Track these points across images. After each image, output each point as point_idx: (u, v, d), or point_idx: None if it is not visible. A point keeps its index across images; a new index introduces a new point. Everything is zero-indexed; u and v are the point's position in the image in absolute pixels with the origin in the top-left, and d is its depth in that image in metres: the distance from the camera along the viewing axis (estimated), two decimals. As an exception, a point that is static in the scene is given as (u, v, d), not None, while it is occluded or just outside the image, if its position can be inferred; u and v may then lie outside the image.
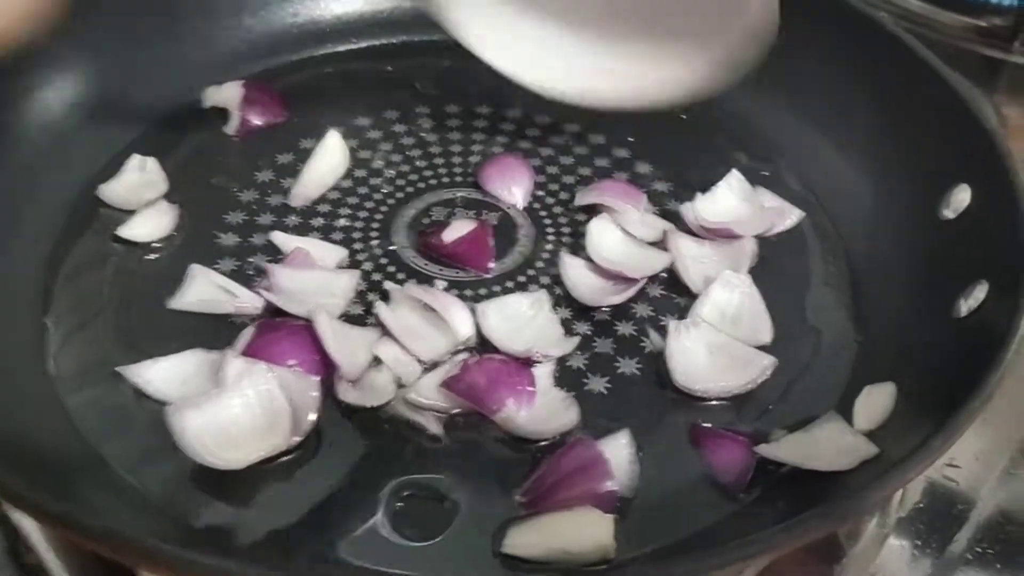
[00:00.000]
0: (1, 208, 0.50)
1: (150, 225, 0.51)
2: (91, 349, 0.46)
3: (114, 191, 0.53)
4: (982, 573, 0.47)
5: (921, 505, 0.50)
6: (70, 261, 0.50)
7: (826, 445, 0.43)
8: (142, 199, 0.52)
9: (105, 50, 0.58)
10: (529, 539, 0.39)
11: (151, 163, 0.55)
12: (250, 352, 0.44)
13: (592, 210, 0.56)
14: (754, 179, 0.58)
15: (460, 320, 0.47)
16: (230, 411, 0.42)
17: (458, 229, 0.51)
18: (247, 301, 0.48)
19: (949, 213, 0.51)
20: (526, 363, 0.46)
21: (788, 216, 0.56)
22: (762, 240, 0.55)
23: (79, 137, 0.55)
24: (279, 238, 0.52)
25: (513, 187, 0.56)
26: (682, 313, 0.50)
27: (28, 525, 0.44)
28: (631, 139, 0.62)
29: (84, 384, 0.45)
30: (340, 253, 0.52)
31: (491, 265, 0.51)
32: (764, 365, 0.47)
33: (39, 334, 0.47)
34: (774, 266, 0.53)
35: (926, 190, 0.53)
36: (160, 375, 0.44)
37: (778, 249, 0.55)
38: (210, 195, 0.55)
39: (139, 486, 0.41)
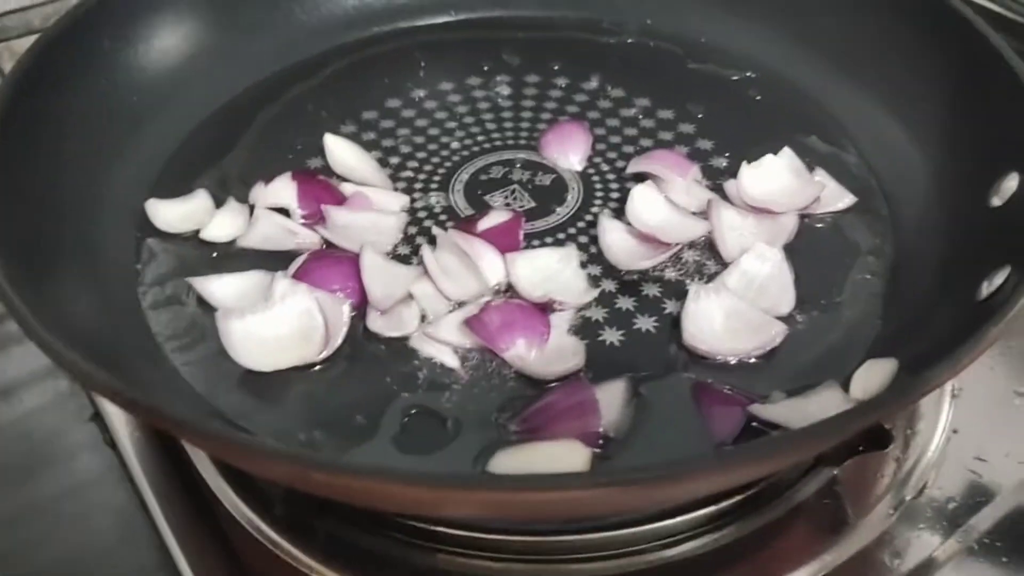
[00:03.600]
0: (114, 138, 0.57)
1: (227, 226, 0.55)
2: (174, 264, 0.53)
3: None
4: (986, 562, 0.46)
5: (937, 490, 0.49)
6: (166, 189, 0.57)
7: (816, 410, 0.44)
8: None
9: (224, 6, 0.65)
10: (512, 462, 0.43)
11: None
12: (298, 276, 0.50)
13: (643, 179, 0.58)
14: (819, 160, 0.59)
15: (491, 266, 0.51)
16: (270, 322, 0.47)
17: (494, 219, 0.54)
18: (305, 238, 0.53)
19: (997, 200, 0.50)
20: (544, 309, 0.49)
21: (841, 199, 0.56)
22: (813, 218, 0.55)
23: (190, 84, 0.63)
24: (346, 187, 0.57)
25: (570, 153, 0.60)
26: (710, 279, 0.52)
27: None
28: (700, 116, 0.63)
29: (163, 291, 0.52)
30: (402, 200, 0.57)
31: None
32: (773, 333, 0.48)
33: (135, 247, 0.54)
34: (820, 243, 0.54)
35: (981, 177, 0.52)
36: (222, 288, 0.50)
37: (828, 228, 0.55)
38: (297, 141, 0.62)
39: (189, 378, 0.47)
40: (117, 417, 0.53)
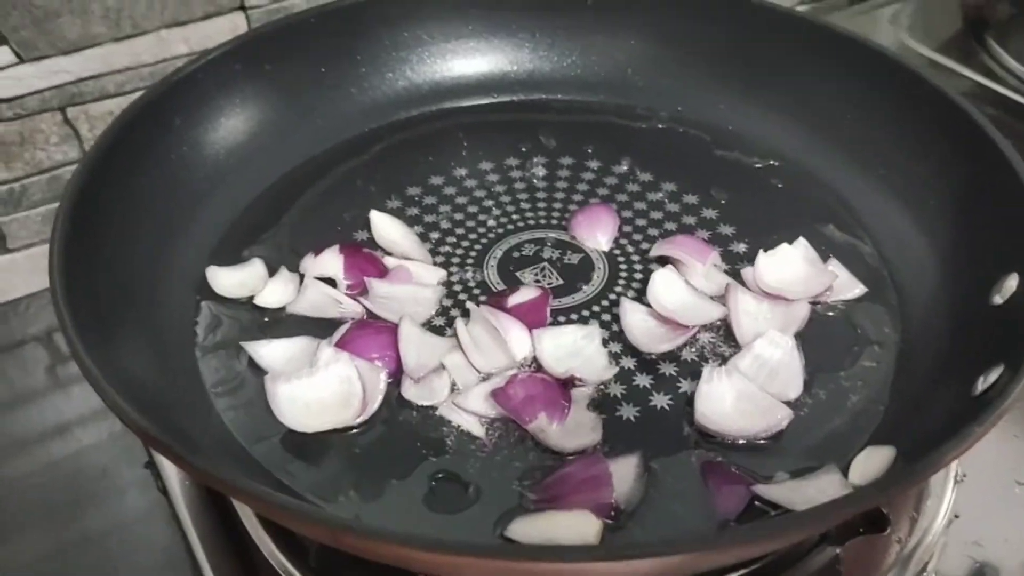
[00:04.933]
0: (180, 209, 0.63)
1: (279, 293, 0.59)
2: (228, 327, 0.58)
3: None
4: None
5: (935, 573, 0.52)
6: (225, 257, 0.62)
7: (816, 493, 0.46)
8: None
9: (285, 88, 0.71)
10: (528, 529, 0.46)
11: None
12: (341, 344, 0.54)
13: (666, 261, 0.62)
14: (835, 249, 0.62)
15: (518, 341, 0.55)
16: (313, 387, 0.52)
17: (523, 295, 0.58)
18: (349, 308, 0.58)
19: (998, 299, 0.53)
20: (565, 384, 0.53)
21: (852, 289, 0.59)
22: (825, 305, 0.59)
23: (251, 159, 0.68)
24: (389, 260, 0.61)
25: (598, 234, 0.64)
26: (724, 361, 0.55)
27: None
28: (723, 201, 0.67)
29: (218, 351, 0.56)
30: (439, 274, 0.61)
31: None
32: (779, 417, 0.51)
33: (194, 309, 0.59)
34: (831, 330, 0.57)
35: (985, 275, 0.54)
36: (270, 352, 0.55)
37: (839, 316, 0.58)
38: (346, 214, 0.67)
39: (236, 432, 0.52)
40: (170, 466, 0.58)
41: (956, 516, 0.54)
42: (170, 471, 0.58)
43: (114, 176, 0.58)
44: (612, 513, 0.47)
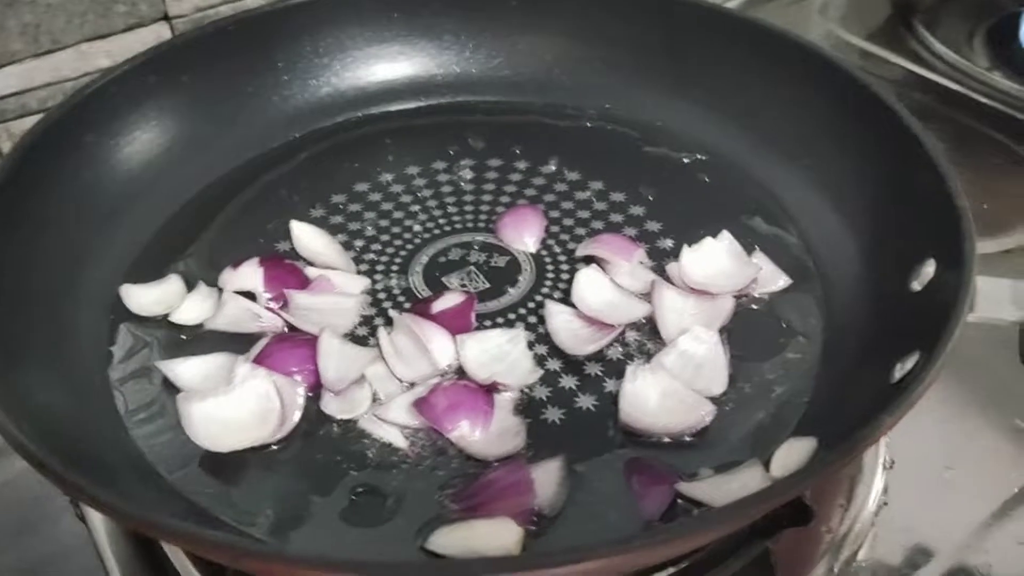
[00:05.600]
0: (94, 226, 0.61)
1: (196, 309, 0.58)
2: (143, 347, 0.57)
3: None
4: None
5: (866, 561, 0.52)
6: (141, 274, 0.61)
7: (738, 488, 0.46)
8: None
9: (204, 99, 0.70)
10: (448, 540, 0.45)
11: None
12: (259, 359, 0.53)
13: (593, 260, 0.61)
14: (762, 241, 0.62)
15: (441, 349, 0.54)
16: (229, 405, 0.50)
17: (448, 301, 0.57)
18: (268, 321, 0.57)
19: (917, 285, 0.53)
20: (489, 390, 0.52)
21: (776, 281, 0.59)
22: (750, 299, 0.59)
23: (169, 173, 0.66)
24: (311, 270, 0.60)
25: (525, 236, 0.63)
26: (650, 359, 0.54)
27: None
28: (650, 198, 0.67)
29: (132, 373, 0.55)
30: (363, 282, 0.60)
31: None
32: (703, 413, 0.51)
33: (109, 331, 0.57)
34: (756, 323, 0.57)
35: (905, 262, 0.54)
36: (187, 371, 0.54)
37: (764, 308, 0.58)
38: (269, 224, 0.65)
39: (151, 457, 0.50)
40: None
41: (886, 503, 0.54)
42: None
43: (19, 197, 0.57)
44: (534, 519, 0.46)
